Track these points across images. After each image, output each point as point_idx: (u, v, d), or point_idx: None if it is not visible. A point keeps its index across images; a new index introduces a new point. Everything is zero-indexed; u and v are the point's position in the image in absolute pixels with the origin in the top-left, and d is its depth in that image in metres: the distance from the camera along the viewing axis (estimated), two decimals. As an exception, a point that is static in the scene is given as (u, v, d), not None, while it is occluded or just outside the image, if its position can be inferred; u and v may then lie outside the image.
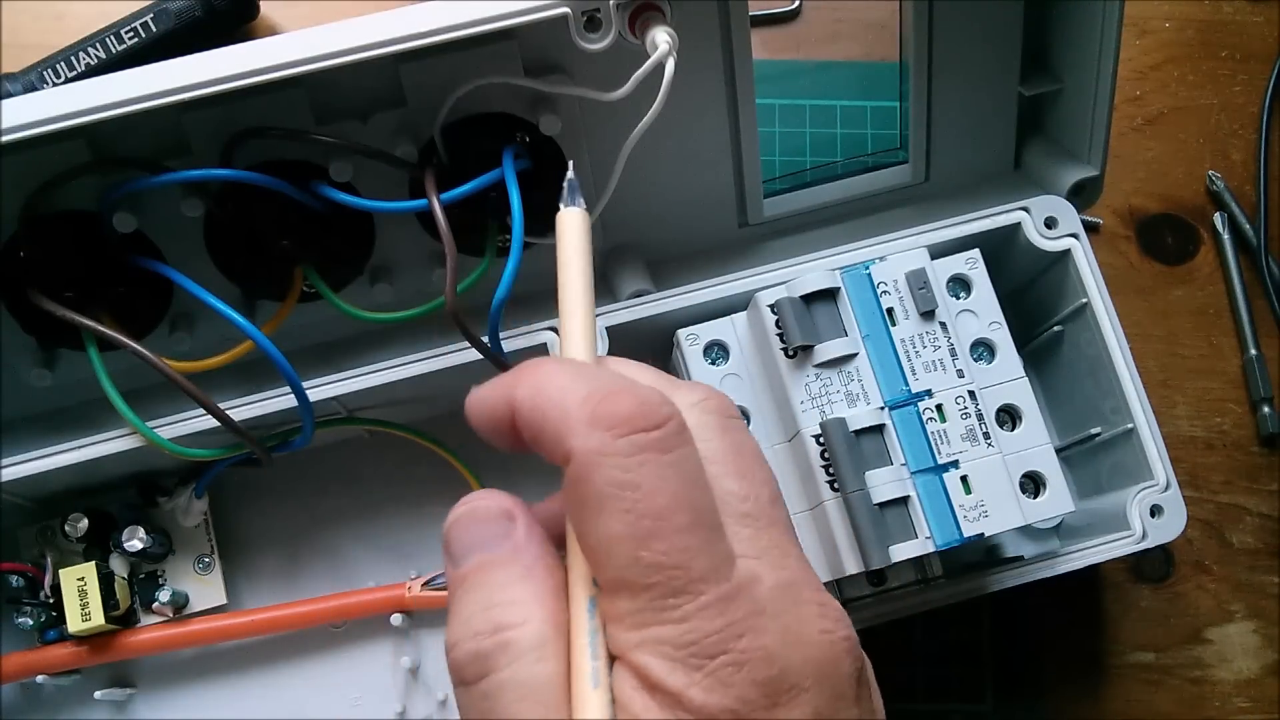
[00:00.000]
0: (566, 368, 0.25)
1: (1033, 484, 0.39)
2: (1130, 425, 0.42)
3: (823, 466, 0.38)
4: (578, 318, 0.27)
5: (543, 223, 0.42)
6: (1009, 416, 0.40)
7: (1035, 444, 0.39)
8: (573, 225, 0.28)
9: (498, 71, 0.38)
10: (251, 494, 0.47)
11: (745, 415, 0.40)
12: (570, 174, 0.30)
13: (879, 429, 0.38)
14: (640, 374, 0.27)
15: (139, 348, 0.38)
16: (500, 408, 0.26)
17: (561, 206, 0.29)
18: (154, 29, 0.52)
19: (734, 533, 0.25)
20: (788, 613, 0.24)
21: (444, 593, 0.44)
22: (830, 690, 0.25)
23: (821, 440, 0.38)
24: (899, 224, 0.43)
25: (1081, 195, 0.45)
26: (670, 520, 0.23)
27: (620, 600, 0.23)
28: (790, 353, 0.39)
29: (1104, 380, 0.43)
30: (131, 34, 0.51)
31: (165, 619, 0.44)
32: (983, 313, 0.40)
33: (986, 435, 0.38)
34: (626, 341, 0.42)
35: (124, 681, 0.45)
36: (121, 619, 0.44)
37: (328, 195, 0.39)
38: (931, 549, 0.37)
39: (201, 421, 0.40)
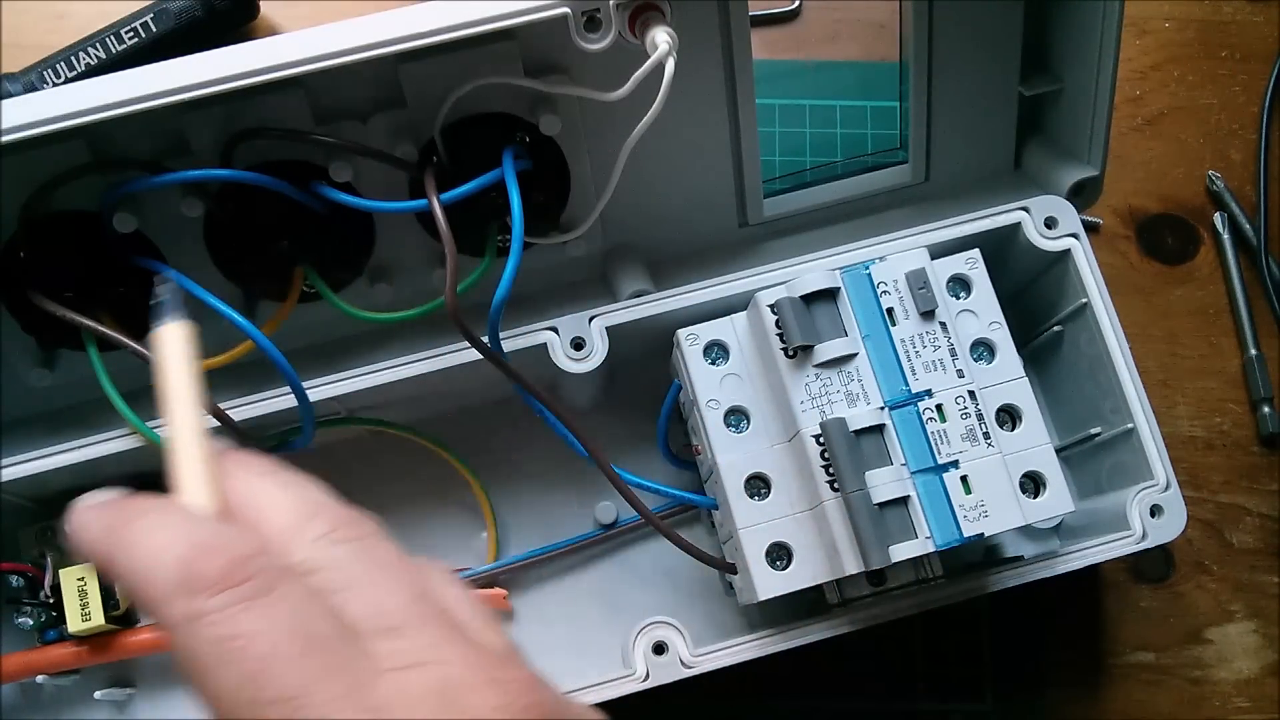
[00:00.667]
0: (162, 524, 0.25)
1: (1033, 484, 0.39)
2: (1130, 425, 0.42)
3: (823, 466, 0.38)
4: (187, 447, 0.26)
5: (543, 223, 0.43)
6: (1009, 416, 0.40)
7: (1035, 444, 0.39)
8: (173, 342, 0.27)
9: (498, 72, 0.38)
10: (251, 494, 0.47)
11: (745, 415, 0.40)
12: (164, 285, 0.27)
13: (879, 429, 0.38)
14: (269, 496, 0.26)
15: (139, 348, 0.38)
16: (102, 562, 0.25)
17: (157, 324, 0.27)
18: (154, 29, 0.52)
19: (378, 650, 0.24)
20: (450, 709, 0.23)
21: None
22: None
23: (821, 440, 0.38)
24: (899, 224, 0.43)
25: (1081, 195, 0.45)
26: (280, 655, 0.23)
27: None
28: (790, 353, 0.39)
29: (1104, 380, 0.43)
30: (131, 34, 0.51)
31: (165, 619, 0.44)
32: (983, 313, 0.40)
33: (986, 435, 0.38)
34: (627, 341, 0.42)
35: (124, 681, 0.45)
36: (121, 619, 0.44)
37: (328, 195, 0.39)
38: (931, 549, 0.37)
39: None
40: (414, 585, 0.25)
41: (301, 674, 0.23)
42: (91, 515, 0.26)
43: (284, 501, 0.26)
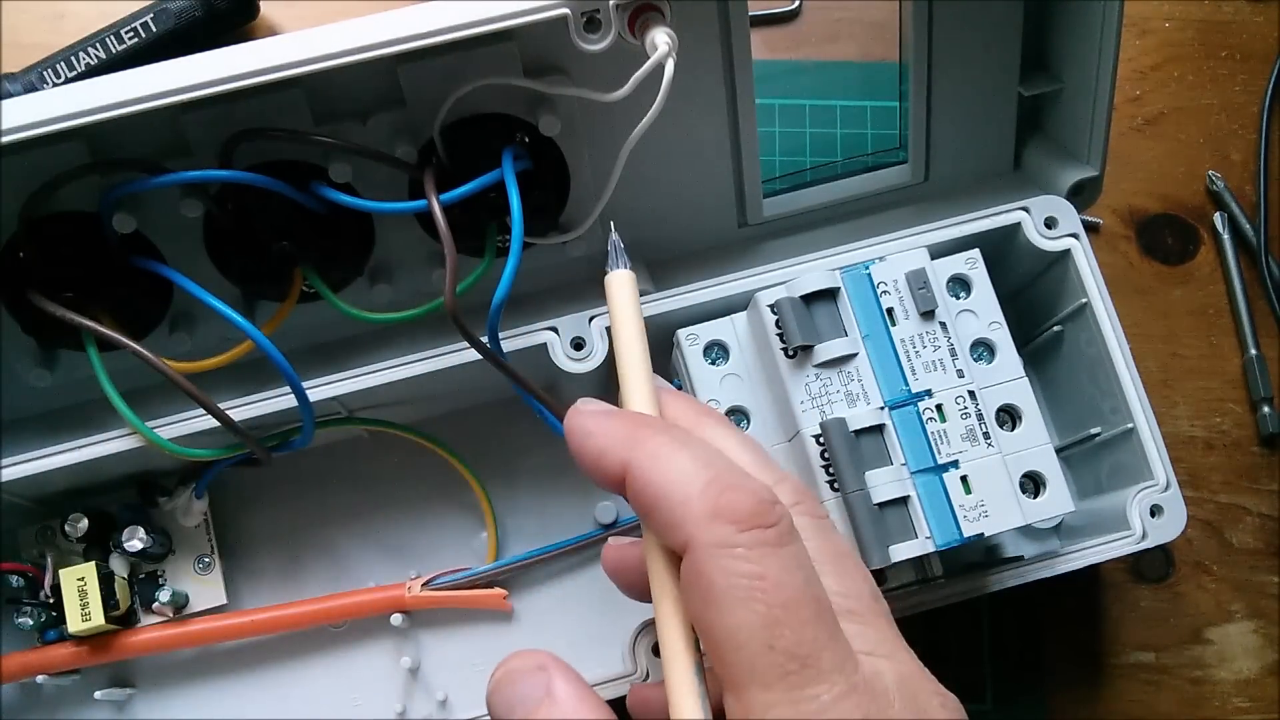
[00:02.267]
0: (685, 449, 0.25)
1: (1033, 484, 0.39)
2: (1130, 425, 0.42)
3: (823, 466, 0.38)
4: (639, 378, 0.28)
5: (543, 223, 0.43)
6: (1009, 416, 0.40)
7: (1035, 444, 0.39)
8: (621, 286, 0.30)
9: (497, 72, 0.38)
10: (251, 494, 0.47)
11: (745, 415, 0.40)
12: (614, 235, 0.31)
13: (879, 429, 0.38)
14: (741, 453, 0.28)
15: (139, 348, 0.38)
16: (613, 463, 0.26)
17: (609, 270, 0.30)
18: (154, 29, 0.52)
19: (845, 629, 0.25)
20: (913, 705, 0.24)
21: (444, 593, 0.44)
22: None
23: (821, 440, 0.38)
24: (899, 224, 0.43)
25: (1081, 195, 0.45)
26: (798, 612, 0.23)
27: (752, 693, 0.23)
28: (790, 353, 0.39)
29: (1104, 380, 0.43)
30: (131, 34, 0.51)
31: (165, 619, 0.44)
32: (983, 313, 0.40)
33: (986, 435, 0.38)
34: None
35: (124, 681, 0.45)
36: (121, 619, 0.44)
37: (327, 196, 0.39)
38: (931, 549, 0.37)
39: (201, 421, 0.40)
40: (870, 579, 0.27)
41: (815, 635, 0.23)
42: (604, 421, 0.26)
43: (751, 460, 0.27)
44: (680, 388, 0.42)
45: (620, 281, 0.30)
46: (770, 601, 0.23)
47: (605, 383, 0.46)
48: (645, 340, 0.28)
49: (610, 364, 0.42)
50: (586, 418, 0.27)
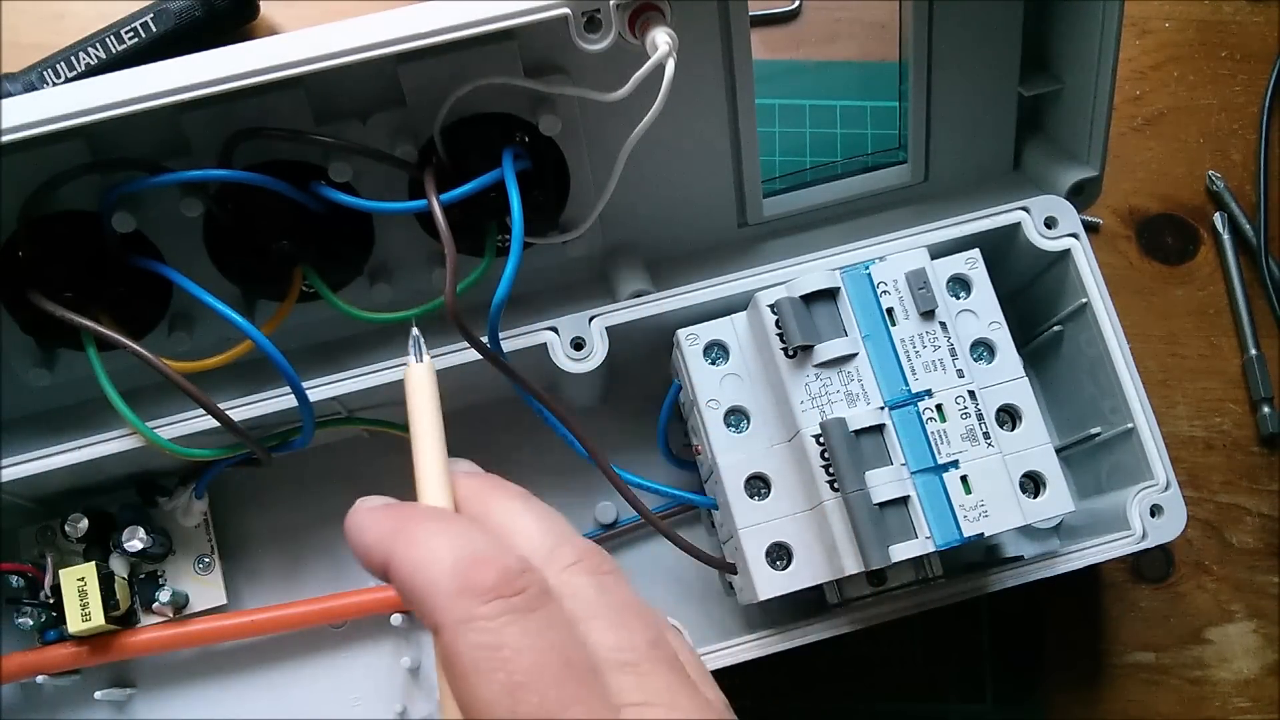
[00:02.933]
0: (441, 532, 0.26)
1: (1033, 484, 0.39)
2: (1130, 425, 0.42)
3: (823, 466, 0.38)
4: (432, 469, 0.28)
5: (543, 223, 0.43)
6: (1009, 416, 0.40)
7: (1035, 444, 0.39)
8: (420, 381, 0.30)
9: (498, 72, 0.38)
10: (251, 494, 0.47)
11: (745, 415, 0.40)
12: (415, 330, 0.31)
13: (879, 429, 0.38)
14: (527, 523, 0.28)
15: (138, 348, 0.38)
16: (377, 557, 0.27)
17: (409, 362, 0.30)
18: (154, 29, 0.52)
19: (617, 683, 0.25)
20: None
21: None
22: None
23: (821, 440, 0.38)
24: (899, 224, 0.43)
25: (1081, 195, 0.45)
26: (543, 674, 0.24)
27: None
28: (790, 353, 0.39)
29: (1104, 380, 0.43)
30: (131, 34, 0.51)
31: (165, 619, 0.44)
32: (983, 313, 0.40)
33: (986, 435, 0.38)
34: (627, 341, 0.42)
35: (124, 681, 0.45)
36: (121, 619, 0.44)
37: (327, 195, 0.39)
38: (931, 549, 0.37)
39: (201, 421, 0.40)
40: (651, 628, 0.26)
41: (559, 696, 0.24)
42: (374, 516, 0.27)
43: (535, 526, 0.27)
44: (680, 388, 0.42)
45: (419, 376, 0.30)
46: (511, 669, 0.24)
47: (605, 383, 0.46)
48: (441, 430, 0.29)
49: (609, 364, 0.42)
50: (359, 514, 0.28)
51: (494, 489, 0.29)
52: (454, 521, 0.27)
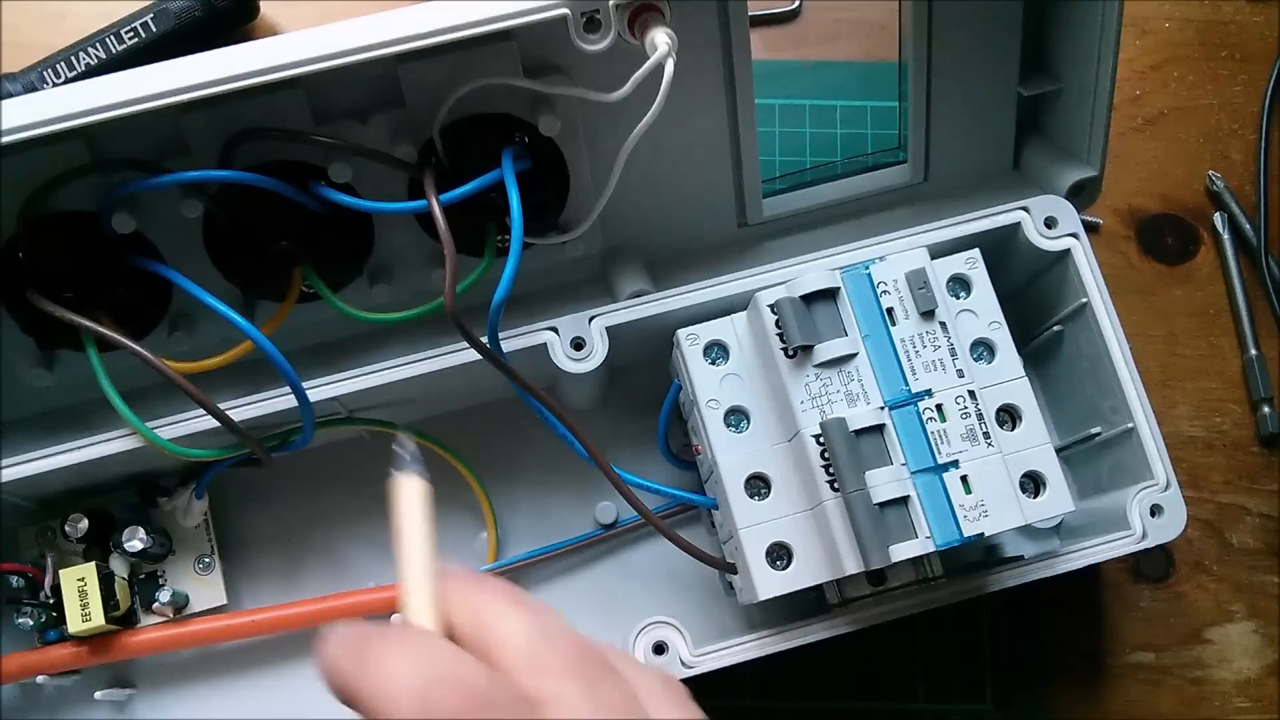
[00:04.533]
0: (403, 652, 0.24)
1: (1033, 484, 0.39)
2: (1130, 425, 0.42)
3: (823, 466, 0.38)
4: (419, 583, 0.27)
5: (542, 223, 0.43)
6: (1009, 416, 0.40)
7: (1035, 444, 0.39)
8: (412, 495, 0.28)
9: (497, 72, 0.38)
10: (251, 494, 0.47)
11: (745, 415, 0.40)
12: (408, 443, 0.28)
13: (879, 429, 0.38)
14: (509, 624, 0.26)
15: (138, 348, 0.38)
16: (342, 690, 0.25)
17: (397, 475, 0.28)
18: (154, 29, 0.51)
19: None
20: None
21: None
22: None
23: (821, 440, 0.38)
24: (899, 224, 0.43)
25: (1081, 195, 0.45)
26: None
27: None
28: (790, 353, 0.39)
29: (1104, 380, 0.43)
30: (131, 34, 0.51)
31: (165, 619, 0.44)
32: (983, 312, 0.40)
33: (986, 435, 0.38)
34: (627, 341, 0.42)
35: (124, 681, 0.45)
36: (121, 619, 0.44)
37: (327, 196, 0.39)
38: (931, 549, 0.37)
39: (201, 421, 0.40)
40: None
41: None
42: (339, 641, 0.25)
43: (520, 628, 0.26)
44: (680, 388, 0.42)
45: (412, 492, 0.28)
46: None
47: (605, 383, 0.46)
48: (432, 544, 0.27)
49: (609, 364, 0.42)
50: (326, 642, 0.26)
51: (482, 591, 0.27)
52: (419, 640, 0.25)
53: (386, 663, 0.24)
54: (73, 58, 0.51)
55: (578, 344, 0.42)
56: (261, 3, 0.54)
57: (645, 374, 0.46)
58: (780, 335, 0.39)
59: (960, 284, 0.40)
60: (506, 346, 0.41)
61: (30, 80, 0.51)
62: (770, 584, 0.39)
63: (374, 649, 0.25)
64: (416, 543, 0.27)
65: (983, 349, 0.40)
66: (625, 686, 0.26)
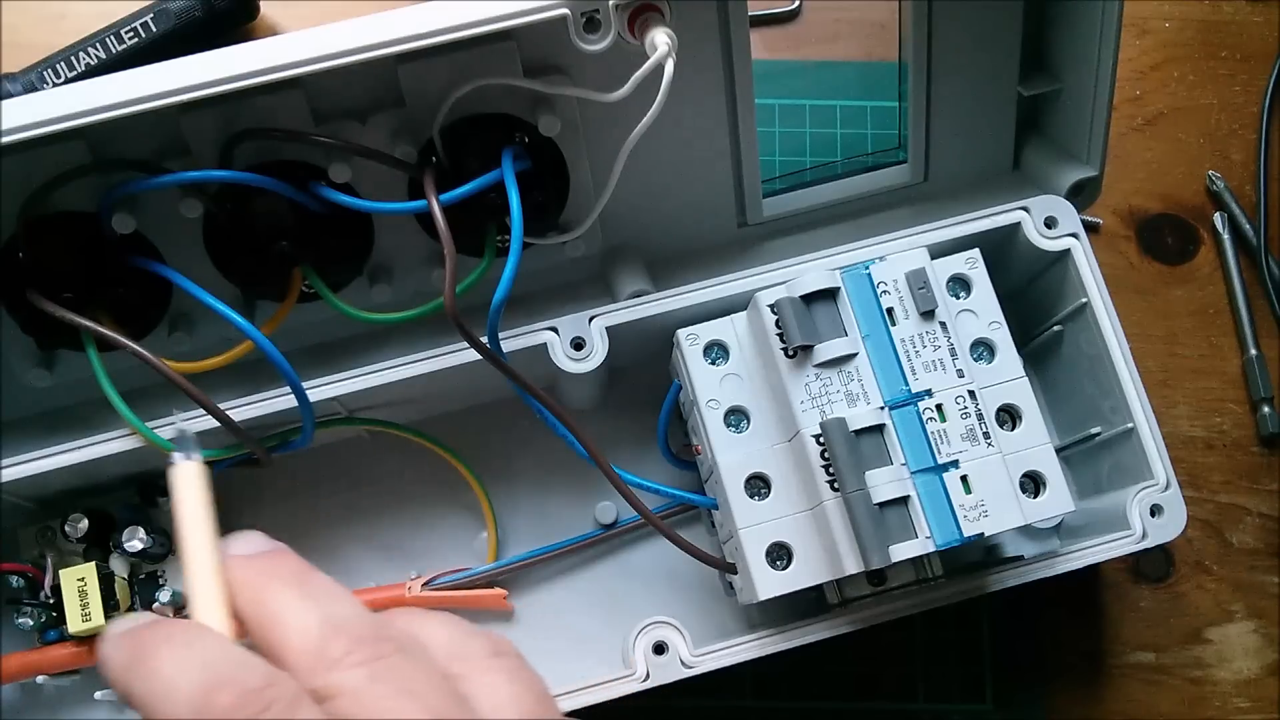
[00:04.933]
0: (177, 657, 0.24)
1: (1033, 484, 0.39)
2: (1130, 425, 0.42)
3: (823, 466, 0.38)
4: (202, 576, 0.26)
5: (542, 223, 0.43)
6: (1009, 416, 0.40)
7: (1035, 444, 0.39)
8: (188, 480, 0.27)
9: (497, 72, 0.38)
10: (251, 494, 0.47)
11: (745, 415, 0.40)
12: (181, 425, 0.29)
13: (879, 429, 0.38)
14: (294, 613, 0.25)
15: (138, 348, 0.38)
16: (120, 691, 0.25)
17: (173, 461, 0.28)
18: (154, 29, 0.51)
19: None
20: None
21: (444, 593, 0.44)
22: None
23: (821, 440, 0.38)
24: (899, 224, 0.43)
25: (1081, 195, 0.45)
26: None
27: None
28: (790, 353, 0.39)
29: (1104, 380, 0.43)
30: (131, 34, 0.51)
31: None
32: (983, 312, 0.40)
33: (986, 435, 0.38)
34: (627, 341, 0.42)
35: (124, 682, 0.45)
36: (121, 619, 0.44)
37: (326, 196, 0.39)
38: (931, 549, 0.37)
39: (201, 421, 0.40)
40: (437, 706, 0.24)
41: None
42: (114, 645, 0.25)
43: (306, 619, 0.25)
44: (680, 388, 0.42)
45: (187, 475, 0.28)
46: None
47: (605, 383, 0.46)
48: (213, 532, 0.27)
49: (609, 364, 0.42)
50: (102, 645, 0.26)
51: (270, 577, 0.26)
52: (193, 642, 0.24)
53: (163, 664, 0.24)
54: (73, 58, 0.51)
55: (578, 344, 0.42)
56: (261, 3, 0.54)
57: (645, 374, 0.46)
58: (780, 335, 0.39)
59: (960, 284, 0.40)
60: (506, 346, 0.41)
61: (30, 80, 0.51)
62: (770, 584, 0.39)
63: (150, 649, 0.24)
64: (197, 531, 0.26)
65: (983, 349, 0.40)
66: (429, 665, 0.25)
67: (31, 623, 0.43)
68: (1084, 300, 0.43)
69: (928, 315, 0.39)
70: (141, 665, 0.24)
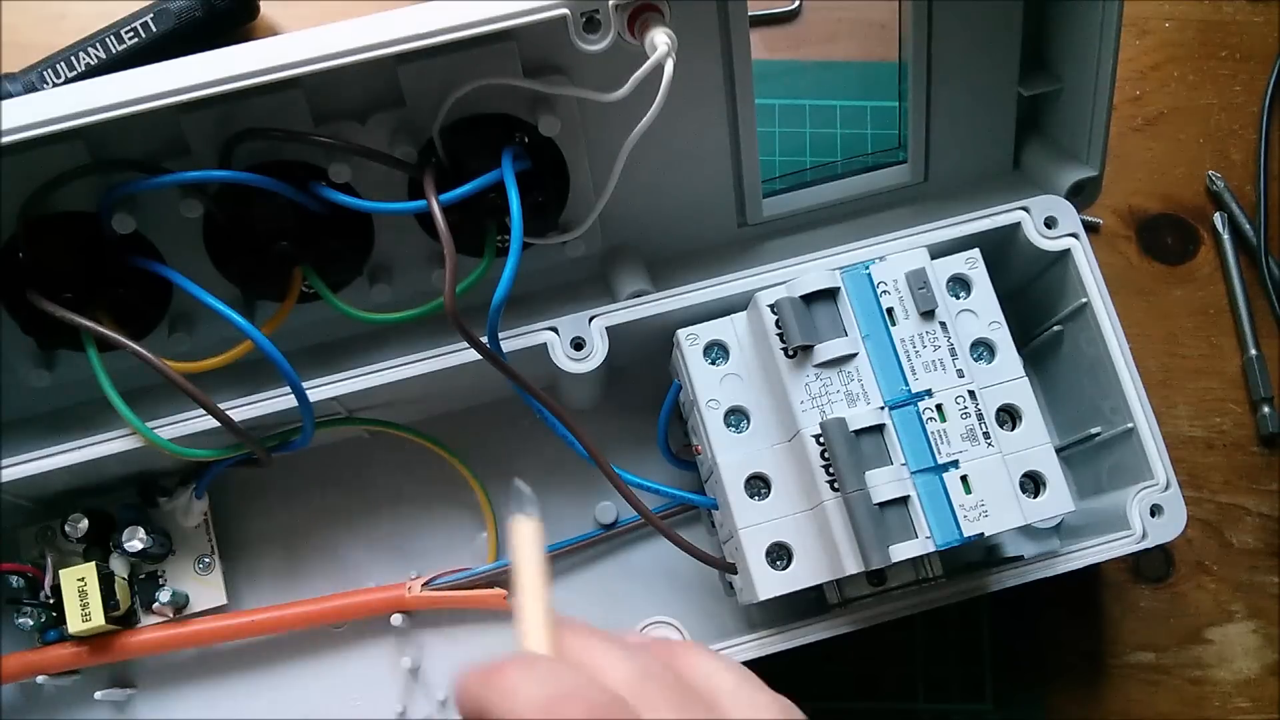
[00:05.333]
0: (529, 676, 0.26)
1: (1033, 484, 0.39)
2: (1130, 425, 0.42)
3: (823, 466, 0.38)
4: (535, 618, 0.29)
5: (542, 223, 0.43)
6: (1009, 416, 0.40)
7: (1035, 444, 0.39)
8: (527, 536, 0.30)
9: (497, 72, 0.38)
10: (251, 494, 0.47)
11: (745, 415, 0.40)
12: (519, 483, 0.31)
13: (879, 429, 0.38)
14: (610, 657, 0.28)
15: (138, 348, 0.38)
16: (475, 710, 0.26)
17: (514, 516, 0.30)
18: (154, 29, 0.52)
19: None
20: None
21: (444, 594, 0.44)
22: None
23: (821, 440, 0.38)
24: (899, 224, 0.43)
25: (1081, 195, 0.45)
26: None
27: None
28: (790, 353, 0.39)
29: (1104, 380, 0.43)
30: (131, 34, 0.51)
31: (165, 619, 0.44)
32: (983, 312, 0.40)
33: (986, 435, 0.38)
34: (627, 341, 0.42)
35: (124, 681, 0.45)
36: (122, 619, 0.44)
37: (326, 196, 0.39)
38: (931, 549, 0.37)
39: (201, 421, 0.40)
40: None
41: None
42: (469, 675, 0.27)
43: (621, 664, 0.27)
44: (680, 388, 0.42)
45: (528, 533, 0.30)
46: None
47: (605, 383, 0.46)
48: (545, 582, 0.30)
49: (609, 364, 0.42)
50: (459, 680, 0.28)
51: (590, 632, 0.29)
52: (540, 664, 0.27)
53: (515, 686, 0.26)
54: (73, 58, 0.51)
55: (578, 344, 0.42)
56: (261, 3, 0.54)
57: (645, 374, 0.46)
58: (780, 335, 0.39)
59: (960, 284, 0.40)
60: (506, 346, 0.41)
61: (30, 80, 0.51)
62: (770, 584, 0.39)
63: (501, 674, 0.26)
64: (532, 578, 0.29)
65: (983, 349, 0.40)
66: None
67: (31, 623, 0.43)
68: (1084, 300, 0.43)
69: (928, 315, 0.39)
70: (495, 683, 0.26)
